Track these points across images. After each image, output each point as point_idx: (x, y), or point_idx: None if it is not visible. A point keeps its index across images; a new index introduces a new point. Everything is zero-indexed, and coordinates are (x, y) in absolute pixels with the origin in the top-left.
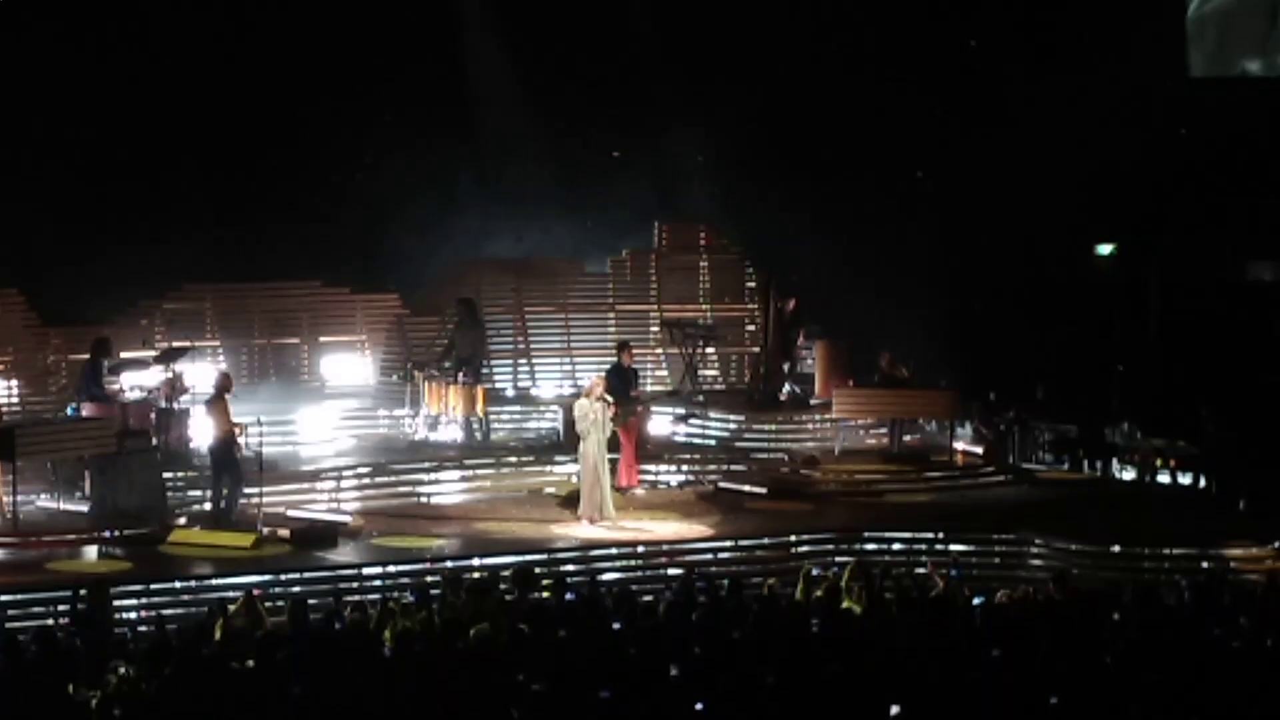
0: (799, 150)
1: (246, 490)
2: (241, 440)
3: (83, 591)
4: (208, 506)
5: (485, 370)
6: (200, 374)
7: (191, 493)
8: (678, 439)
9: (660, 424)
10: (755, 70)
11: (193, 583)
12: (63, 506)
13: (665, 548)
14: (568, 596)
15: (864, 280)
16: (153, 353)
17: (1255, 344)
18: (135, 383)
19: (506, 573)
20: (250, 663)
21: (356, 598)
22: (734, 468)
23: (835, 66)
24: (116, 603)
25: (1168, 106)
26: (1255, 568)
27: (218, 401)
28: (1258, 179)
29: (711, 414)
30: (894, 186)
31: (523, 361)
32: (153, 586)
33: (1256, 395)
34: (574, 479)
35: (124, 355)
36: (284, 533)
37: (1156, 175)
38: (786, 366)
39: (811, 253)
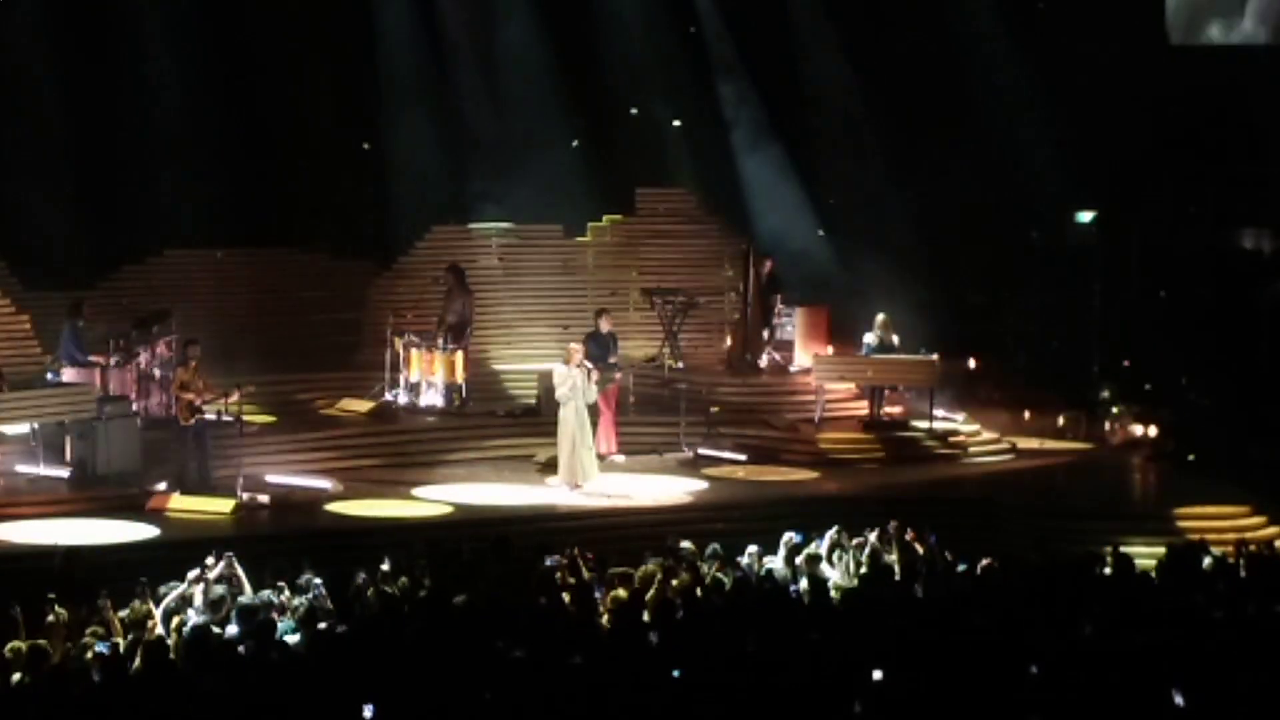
0: (781, 116)
1: (228, 457)
2: (202, 409)
3: (62, 557)
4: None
5: (473, 337)
6: (179, 339)
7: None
8: (658, 405)
9: (641, 390)
10: (737, 34)
11: (172, 549)
12: (43, 472)
13: (645, 514)
14: (547, 563)
15: (844, 247)
16: (132, 317)
17: (1236, 311)
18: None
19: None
20: (231, 629)
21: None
22: (713, 434)
23: (817, 30)
24: (95, 569)
25: (1148, 74)
26: (1235, 535)
27: (181, 370)
28: (1238, 147)
29: (691, 380)
30: (875, 152)
31: (504, 328)
32: (132, 552)
33: (1236, 363)
34: (554, 445)
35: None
36: (264, 499)
37: (1137, 143)
38: (766, 333)
39: (793, 219)
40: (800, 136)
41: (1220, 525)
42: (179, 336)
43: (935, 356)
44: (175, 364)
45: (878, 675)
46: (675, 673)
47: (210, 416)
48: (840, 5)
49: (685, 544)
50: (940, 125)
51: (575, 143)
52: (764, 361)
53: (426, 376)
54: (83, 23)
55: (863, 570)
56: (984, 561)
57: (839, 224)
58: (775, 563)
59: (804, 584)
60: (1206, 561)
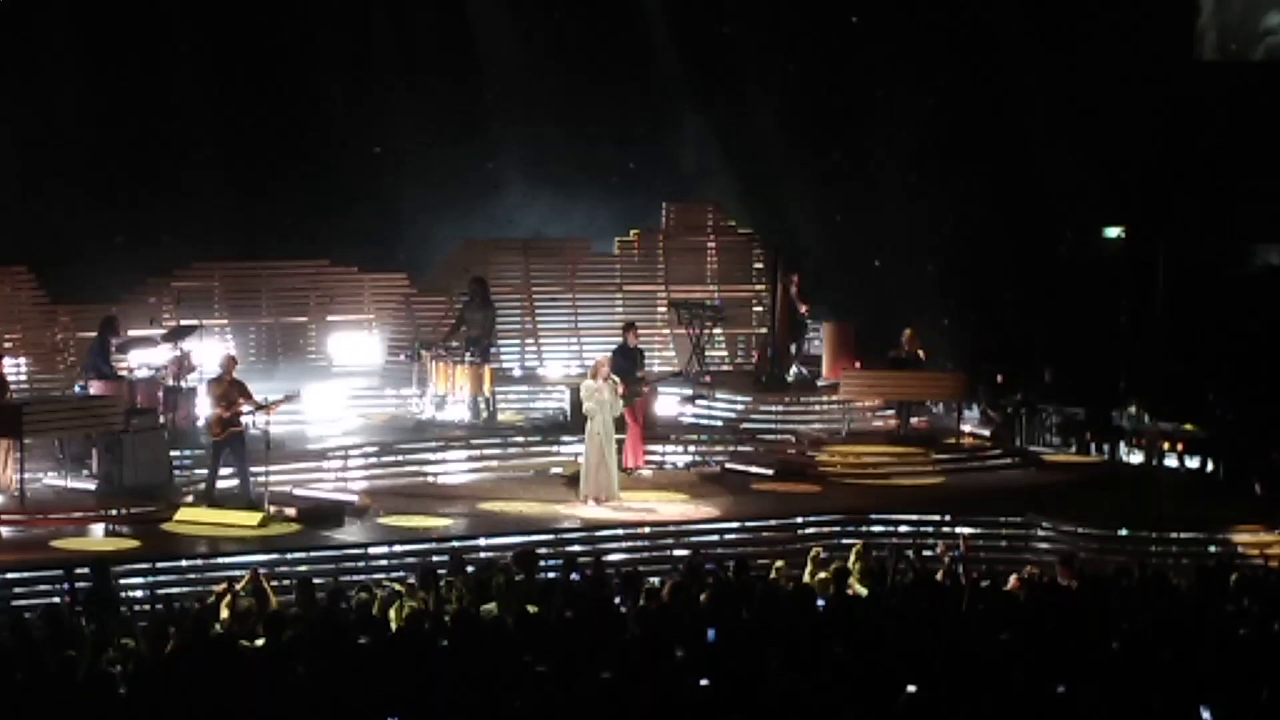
0: (809, 130)
1: (253, 470)
2: (237, 423)
3: (86, 570)
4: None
5: (494, 350)
6: (208, 352)
7: (199, 471)
8: (685, 419)
9: (668, 405)
10: (765, 48)
11: (199, 561)
12: (70, 484)
13: (671, 529)
14: (573, 577)
15: (872, 260)
16: (160, 331)
17: (1263, 327)
18: (143, 361)
19: (510, 553)
20: (258, 641)
21: (362, 577)
22: (741, 449)
23: (844, 44)
24: (122, 581)
25: (1176, 89)
26: (1263, 552)
27: (214, 383)
28: (1265, 163)
29: (718, 395)
30: (904, 167)
31: (530, 341)
32: (158, 565)
33: (1264, 378)
34: (579, 459)
35: (132, 333)
36: (290, 512)
37: (1165, 158)
38: (794, 348)
39: (820, 232)
40: (833, 150)
41: (1247, 540)
42: (194, 350)
43: (962, 370)
44: (214, 378)
45: (912, 688)
46: (702, 681)
47: (252, 430)
48: (877, 18)
49: (710, 560)
50: (971, 140)
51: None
52: (791, 375)
53: (453, 389)
54: (113, 38)
55: (887, 585)
56: (1011, 576)
57: (869, 238)
58: (803, 577)
59: (829, 599)
60: (1233, 578)
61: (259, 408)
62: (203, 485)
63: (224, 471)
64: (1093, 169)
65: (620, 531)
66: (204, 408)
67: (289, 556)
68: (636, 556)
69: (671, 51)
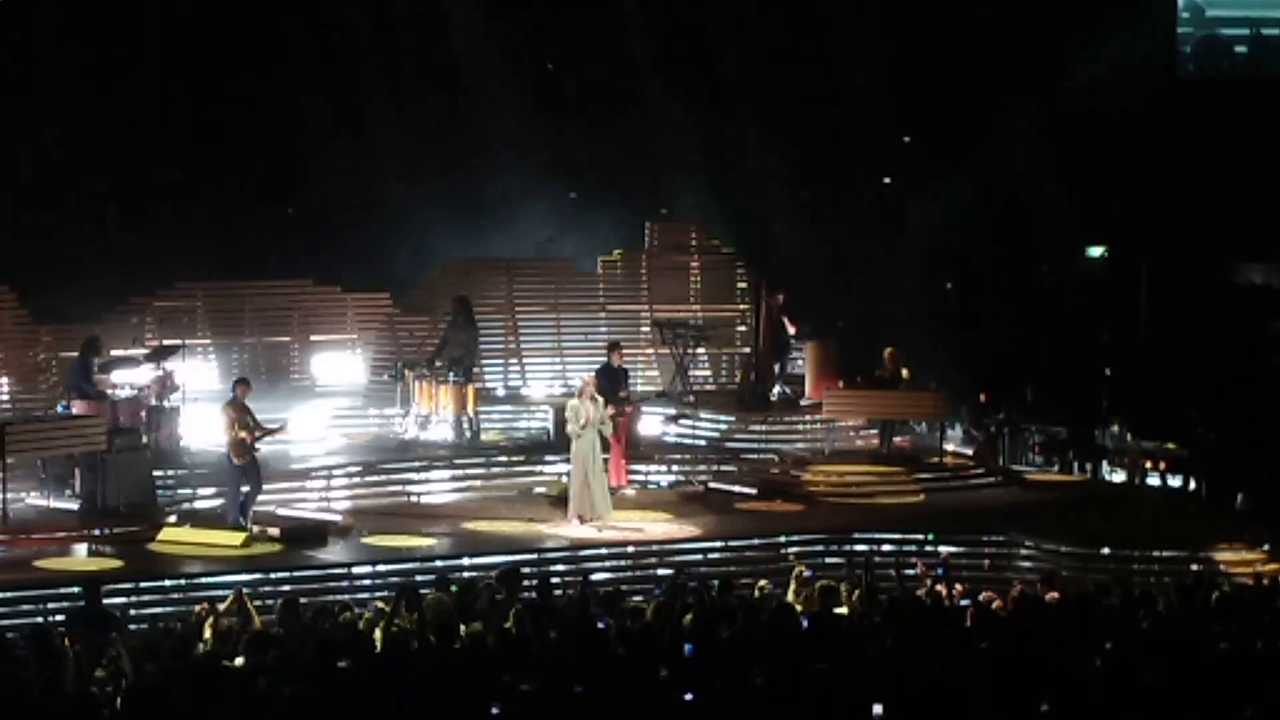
0: (791, 149)
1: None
2: (256, 446)
3: (74, 590)
4: (199, 505)
5: (476, 370)
6: (190, 372)
7: (181, 491)
8: (668, 439)
9: (651, 424)
10: (749, 69)
11: (182, 581)
12: (52, 504)
13: (655, 548)
14: (556, 596)
15: (855, 279)
16: (143, 350)
17: (1244, 345)
18: (126, 380)
19: (494, 572)
20: (240, 661)
21: (346, 598)
22: (724, 468)
23: (828, 62)
24: (106, 601)
25: (1157, 109)
26: (1244, 570)
27: (229, 407)
28: (1247, 182)
29: (702, 414)
30: (886, 187)
31: (513, 361)
32: (142, 585)
33: (1245, 397)
34: (564, 479)
35: (115, 353)
36: (274, 531)
37: (1147, 178)
38: (777, 367)
39: (803, 252)
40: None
41: (1229, 559)
42: (177, 370)
43: (944, 390)
44: (226, 402)
45: (878, 709)
46: (687, 696)
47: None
48: (861, 41)
49: (695, 578)
50: (954, 159)
51: (573, 194)
52: (775, 394)
53: (437, 409)
54: (94, 54)
55: (870, 604)
56: (990, 596)
57: (852, 256)
58: (786, 596)
59: (812, 617)
60: (1215, 597)
61: (266, 434)
62: (229, 513)
63: (207, 491)
64: (1075, 188)
65: (604, 551)
66: (223, 432)
67: (272, 576)
68: (620, 576)
69: (656, 73)
